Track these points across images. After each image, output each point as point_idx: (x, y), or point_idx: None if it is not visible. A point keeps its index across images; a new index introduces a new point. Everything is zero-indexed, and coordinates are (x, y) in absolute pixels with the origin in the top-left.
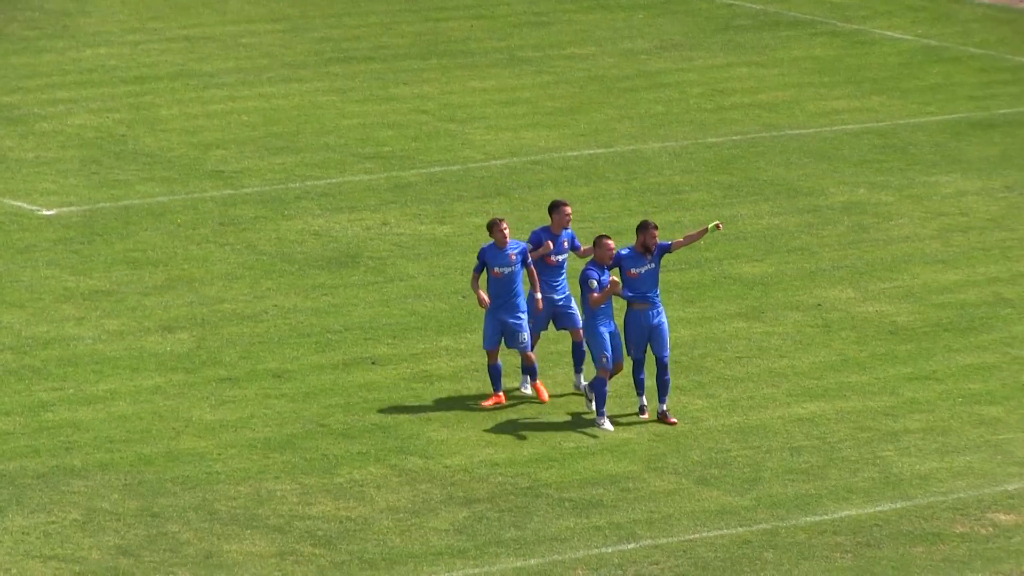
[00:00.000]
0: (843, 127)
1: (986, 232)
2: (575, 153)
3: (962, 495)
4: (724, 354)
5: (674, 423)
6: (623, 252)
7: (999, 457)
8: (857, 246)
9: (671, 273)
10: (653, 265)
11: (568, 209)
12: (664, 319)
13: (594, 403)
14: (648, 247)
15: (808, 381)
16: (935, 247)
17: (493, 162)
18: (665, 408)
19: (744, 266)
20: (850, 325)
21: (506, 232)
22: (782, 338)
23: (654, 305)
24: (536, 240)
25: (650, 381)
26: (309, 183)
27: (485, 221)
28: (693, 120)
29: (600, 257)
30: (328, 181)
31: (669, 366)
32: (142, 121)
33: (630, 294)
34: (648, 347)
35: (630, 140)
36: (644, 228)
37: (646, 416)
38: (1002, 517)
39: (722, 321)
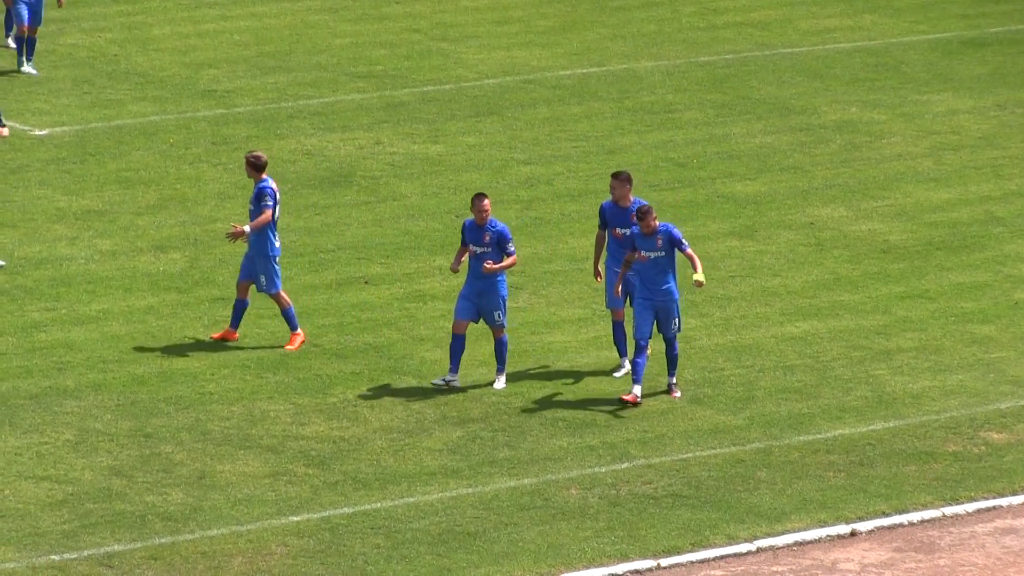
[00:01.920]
0: (835, 45)
1: (978, 151)
2: (568, 72)
3: (954, 414)
4: (717, 273)
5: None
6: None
7: (991, 376)
8: (849, 165)
9: (664, 192)
10: (663, 253)
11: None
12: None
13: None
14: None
15: (801, 300)
16: (927, 165)
17: (486, 81)
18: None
19: (737, 185)
20: (843, 244)
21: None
22: (775, 257)
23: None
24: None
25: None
26: (301, 102)
27: (478, 140)
28: (686, 39)
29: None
30: (320, 100)
31: (674, 341)
32: (134, 40)
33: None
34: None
35: (623, 59)
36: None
37: (619, 375)
38: (994, 436)
39: (715, 240)
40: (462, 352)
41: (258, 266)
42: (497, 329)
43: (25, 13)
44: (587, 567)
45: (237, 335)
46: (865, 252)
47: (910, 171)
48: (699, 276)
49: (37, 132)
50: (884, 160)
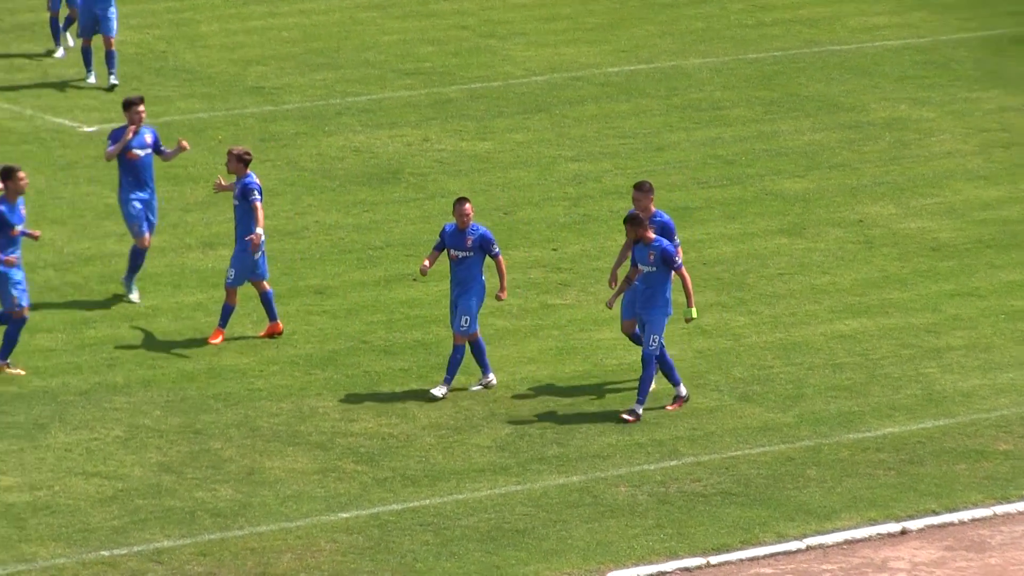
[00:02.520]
0: (884, 43)
1: None
2: (616, 69)
3: (1005, 412)
4: (766, 270)
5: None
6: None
7: None
8: (898, 162)
9: (712, 189)
10: (653, 269)
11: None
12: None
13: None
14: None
15: (850, 298)
16: (977, 163)
17: (534, 78)
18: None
19: (786, 182)
20: (892, 241)
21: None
22: (824, 254)
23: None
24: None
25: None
26: (350, 99)
27: (526, 137)
28: (734, 36)
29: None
30: (369, 97)
31: (648, 360)
32: (182, 37)
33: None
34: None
35: (671, 56)
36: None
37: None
38: None
39: (764, 237)
40: (483, 352)
41: (245, 258)
42: (458, 335)
43: (91, 26)
44: (636, 564)
45: (281, 325)
46: (914, 250)
47: (959, 168)
48: (691, 312)
49: (86, 129)
50: (933, 158)
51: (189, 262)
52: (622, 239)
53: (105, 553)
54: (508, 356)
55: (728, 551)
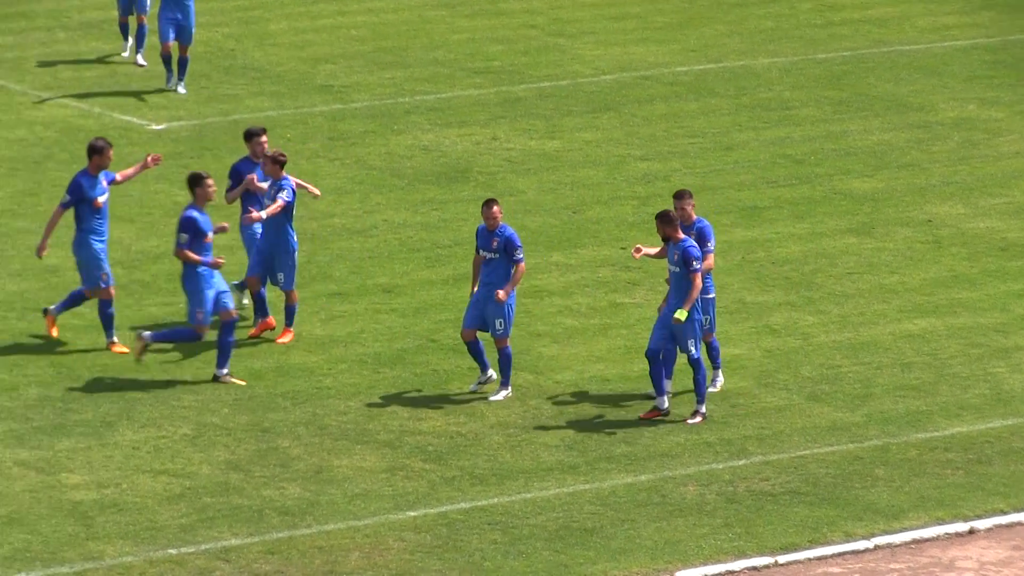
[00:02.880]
0: (953, 43)
1: None
2: (685, 68)
3: None
4: (835, 270)
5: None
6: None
7: None
8: (967, 162)
9: (781, 189)
10: (676, 269)
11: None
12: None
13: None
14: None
15: (918, 297)
16: None
17: (602, 77)
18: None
19: (854, 182)
20: (960, 241)
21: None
22: (892, 254)
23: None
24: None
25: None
26: (418, 98)
27: (595, 136)
28: (803, 36)
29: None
30: (437, 96)
31: (698, 363)
32: (251, 35)
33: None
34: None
35: (740, 56)
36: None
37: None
38: None
39: (832, 237)
40: (482, 352)
41: (277, 263)
42: (498, 339)
43: (169, 31)
44: (704, 564)
45: (273, 320)
46: (983, 249)
47: None
48: (681, 314)
49: (154, 127)
50: (1002, 158)
51: None
52: None
53: (172, 551)
54: (577, 355)
55: (796, 550)
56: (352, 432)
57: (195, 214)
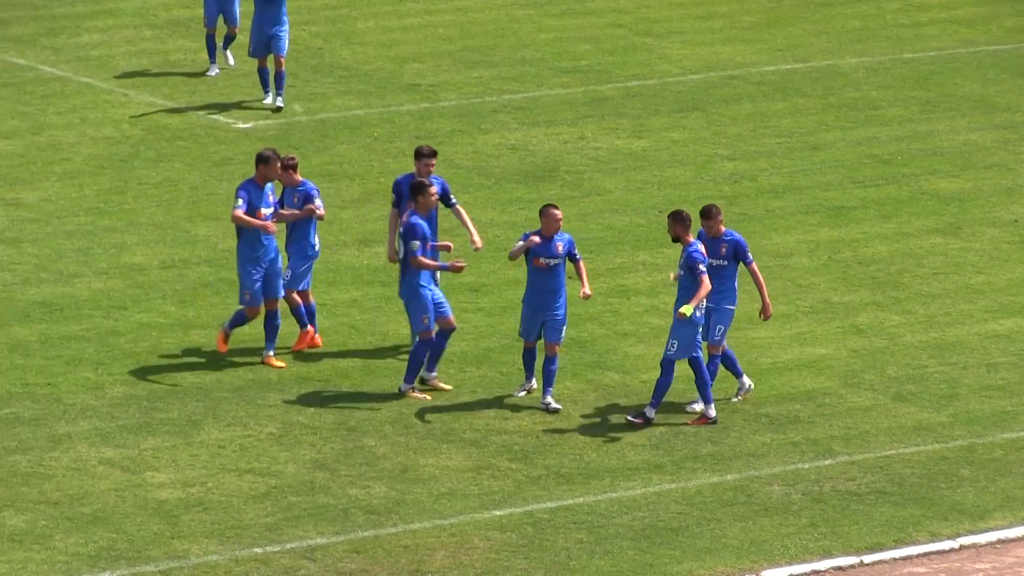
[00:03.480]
0: None
1: None
2: (772, 68)
3: None
4: (921, 270)
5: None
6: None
7: None
8: None
9: (867, 189)
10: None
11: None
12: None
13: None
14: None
15: (1005, 297)
16: None
17: (689, 76)
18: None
19: (941, 182)
20: None
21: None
22: (979, 254)
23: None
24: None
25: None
26: (506, 97)
27: (682, 136)
28: (890, 35)
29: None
30: (525, 95)
31: (668, 364)
32: (339, 34)
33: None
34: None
35: (827, 55)
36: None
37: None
38: None
39: (919, 237)
40: (535, 360)
41: (294, 263)
42: (557, 345)
43: (262, 45)
44: (790, 563)
45: (317, 336)
46: None
47: None
48: (684, 308)
49: (241, 125)
50: None
51: (344, 259)
52: (778, 238)
53: (258, 550)
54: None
55: (881, 550)
56: (438, 431)
57: (421, 220)
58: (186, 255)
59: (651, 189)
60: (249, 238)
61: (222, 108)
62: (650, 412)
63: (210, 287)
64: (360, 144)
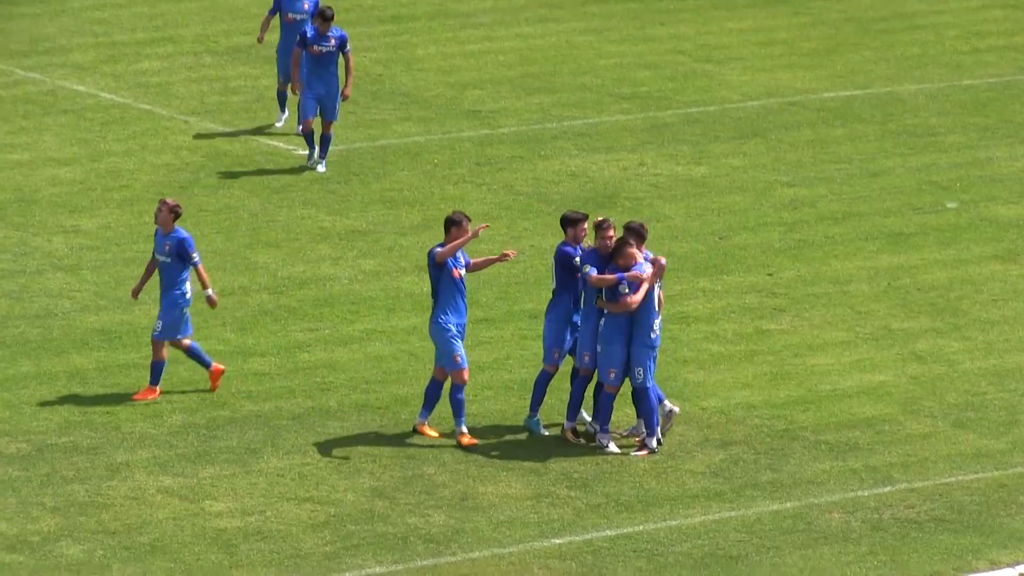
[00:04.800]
0: None
1: None
2: (831, 94)
3: None
4: (980, 296)
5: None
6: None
7: None
8: None
9: (927, 215)
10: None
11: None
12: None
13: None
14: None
15: None
16: None
17: (750, 103)
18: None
19: (1000, 208)
20: None
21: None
22: None
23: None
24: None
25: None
26: (566, 123)
27: (742, 162)
28: (949, 62)
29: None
30: (585, 121)
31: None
32: (399, 60)
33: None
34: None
35: (886, 82)
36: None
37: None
38: None
39: (978, 263)
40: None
41: (162, 312)
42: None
43: (311, 107)
44: None
45: (219, 369)
46: None
47: None
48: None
49: (301, 152)
50: None
51: (404, 286)
52: (838, 264)
53: None
54: (722, 381)
55: None
56: (497, 459)
57: (570, 250)
58: (246, 282)
59: (711, 216)
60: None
61: (281, 135)
62: (652, 442)
63: (270, 315)
64: (420, 171)
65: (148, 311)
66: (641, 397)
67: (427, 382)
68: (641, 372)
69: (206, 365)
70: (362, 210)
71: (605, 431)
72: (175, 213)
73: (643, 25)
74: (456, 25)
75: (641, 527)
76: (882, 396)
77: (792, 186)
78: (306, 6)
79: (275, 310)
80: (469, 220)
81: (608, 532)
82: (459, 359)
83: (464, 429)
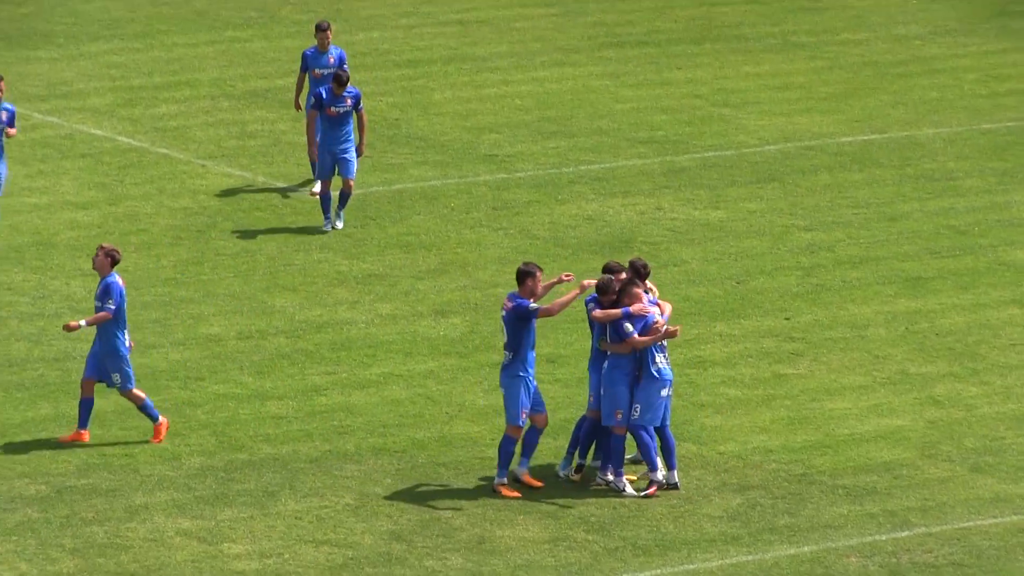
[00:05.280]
0: None
1: None
2: (849, 139)
3: None
4: (998, 341)
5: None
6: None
7: None
8: None
9: (945, 259)
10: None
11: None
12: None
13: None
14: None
15: None
16: None
17: (767, 147)
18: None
19: (1018, 252)
20: None
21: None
22: None
23: None
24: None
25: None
26: (583, 167)
27: (759, 206)
28: (967, 106)
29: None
30: (601, 165)
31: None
32: (415, 105)
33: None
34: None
35: (904, 126)
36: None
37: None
38: None
39: (996, 308)
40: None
41: (109, 365)
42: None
43: (329, 166)
44: None
45: (87, 435)
46: None
47: None
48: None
49: (315, 190)
50: None
51: (421, 330)
52: (855, 308)
53: None
54: (740, 425)
55: None
56: (515, 502)
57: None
58: (263, 326)
59: (728, 260)
60: None
61: (298, 178)
62: (656, 476)
63: (287, 358)
64: (437, 215)
65: (166, 354)
66: (635, 434)
67: (443, 425)
68: (638, 409)
69: (154, 418)
70: (379, 254)
71: (620, 473)
72: (111, 258)
73: (660, 69)
74: (472, 69)
75: (658, 571)
76: (900, 440)
77: (809, 230)
78: (332, 60)
79: (292, 354)
80: (541, 270)
81: None
82: (525, 416)
83: (506, 480)
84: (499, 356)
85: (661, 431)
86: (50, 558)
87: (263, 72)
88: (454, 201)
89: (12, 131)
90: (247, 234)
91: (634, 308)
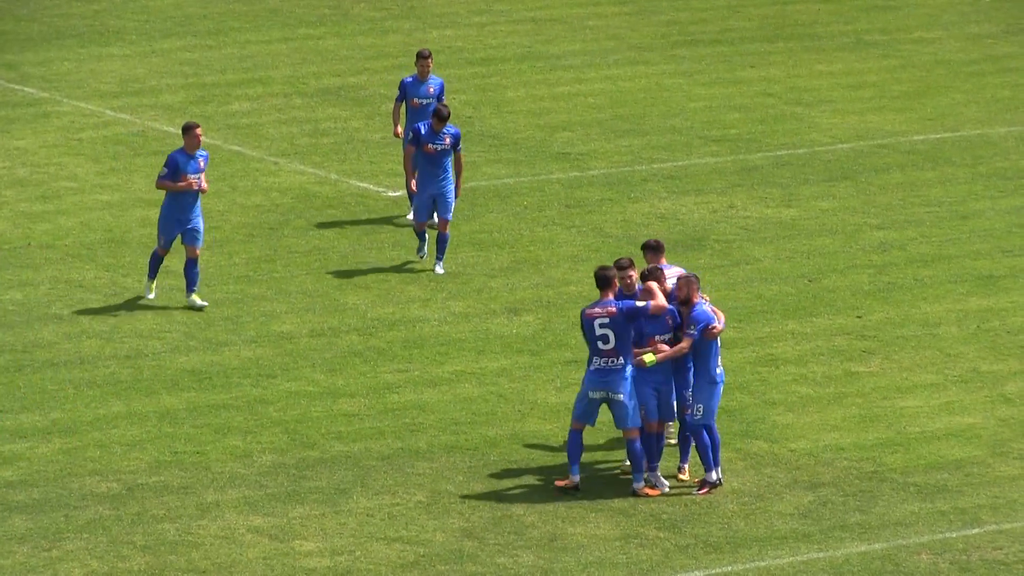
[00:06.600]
0: None
1: None
2: (921, 137)
3: None
4: None
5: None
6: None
7: None
8: None
9: (1017, 258)
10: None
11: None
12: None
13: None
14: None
15: None
16: None
17: (839, 145)
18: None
19: None
20: None
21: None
22: None
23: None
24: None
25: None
26: (655, 165)
27: (832, 205)
28: None
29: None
30: (674, 164)
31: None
32: (488, 103)
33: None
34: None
35: (976, 124)
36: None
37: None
38: None
39: None
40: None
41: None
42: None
43: (425, 208)
44: None
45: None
46: None
47: None
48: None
49: (390, 193)
50: None
51: (493, 327)
52: (927, 307)
53: None
54: (811, 423)
55: None
56: (586, 500)
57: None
58: (335, 323)
59: (800, 258)
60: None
61: (371, 176)
62: (711, 476)
63: (359, 355)
64: (510, 212)
65: (238, 352)
66: (696, 433)
67: (515, 423)
68: (700, 409)
69: None
70: (452, 252)
71: (654, 467)
72: None
73: (733, 68)
74: (545, 67)
75: (729, 568)
76: (971, 438)
77: (882, 229)
78: (432, 89)
79: (364, 351)
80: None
81: (696, 573)
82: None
83: (643, 483)
84: (571, 353)
85: (708, 430)
86: (121, 555)
87: (336, 70)
88: (527, 199)
89: (205, 186)
90: (319, 231)
91: (652, 307)
